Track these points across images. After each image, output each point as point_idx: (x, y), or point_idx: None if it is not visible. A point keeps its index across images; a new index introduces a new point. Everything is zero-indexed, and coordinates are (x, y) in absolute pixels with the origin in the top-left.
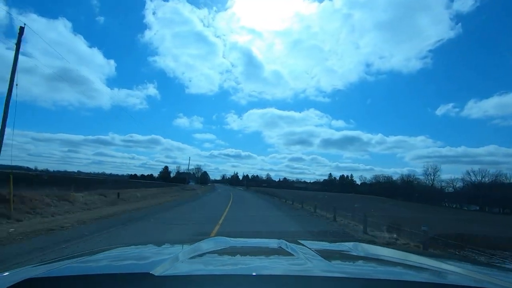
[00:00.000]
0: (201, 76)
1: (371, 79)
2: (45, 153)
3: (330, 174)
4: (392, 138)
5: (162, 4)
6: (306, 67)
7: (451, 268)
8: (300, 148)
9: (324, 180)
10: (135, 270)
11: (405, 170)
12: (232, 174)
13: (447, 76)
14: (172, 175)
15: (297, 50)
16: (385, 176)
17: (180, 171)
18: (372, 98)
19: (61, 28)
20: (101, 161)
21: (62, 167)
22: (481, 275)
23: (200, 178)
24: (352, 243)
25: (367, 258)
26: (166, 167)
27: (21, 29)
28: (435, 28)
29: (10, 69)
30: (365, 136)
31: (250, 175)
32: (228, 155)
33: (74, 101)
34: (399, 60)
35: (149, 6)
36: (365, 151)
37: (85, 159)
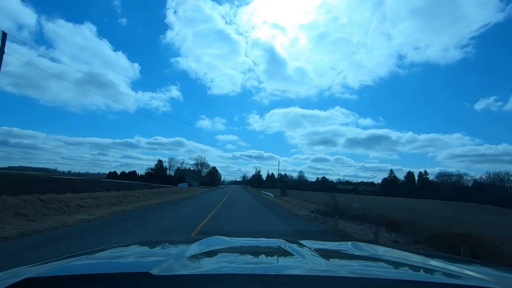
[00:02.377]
0: (223, 76)
1: (403, 73)
2: (77, 156)
3: (391, 171)
4: (424, 136)
5: (183, 2)
6: (332, 62)
7: (451, 268)
8: (324, 148)
9: (384, 179)
10: (134, 269)
11: (436, 170)
12: (254, 173)
13: (490, 66)
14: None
15: (323, 44)
16: (450, 174)
17: (181, 168)
18: (403, 94)
19: (86, 33)
20: (128, 163)
21: (94, 170)
22: (482, 274)
23: (207, 177)
24: (351, 242)
25: (366, 257)
26: (160, 162)
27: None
28: (480, 12)
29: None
30: (394, 134)
31: (276, 174)
32: (250, 156)
33: (101, 105)
34: (436, 50)
35: (170, 5)
36: (394, 150)
37: (114, 162)
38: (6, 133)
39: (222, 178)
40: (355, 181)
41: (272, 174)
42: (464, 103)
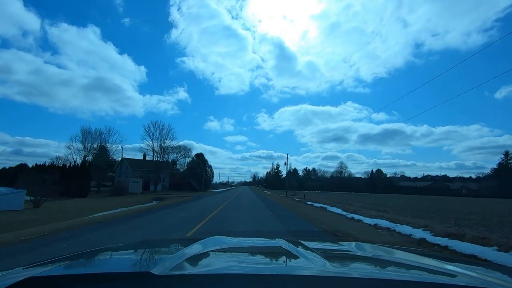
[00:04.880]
0: (231, 75)
1: (420, 63)
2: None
3: (507, 153)
4: (439, 129)
5: None
6: (344, 54)
7: (452, 268)
8: (335, 146)
9: (496, 170)
10: (135, 269)
11: (451, 165)
12: (269, 170)
13: None
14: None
15: (335, 36)
16: None
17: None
18: (420, 85)
19: (91, 36)
20: None
21: None
22: (482, 275)
23: (186, 173)
24: (354, 243)
25: (368, 258)
26: (103, 148)
27: None
28: None
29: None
30: (408, 128)
31: (299, 170)
32: (259, 156)
33: (110, 111)
34: (456, 35)
35: (174, 2)
36: (408, 145)
37: None
38: (19, 143)
39: (231, 179)
40: (412, 176)
41: (295, 170)
42: (484, 91)
